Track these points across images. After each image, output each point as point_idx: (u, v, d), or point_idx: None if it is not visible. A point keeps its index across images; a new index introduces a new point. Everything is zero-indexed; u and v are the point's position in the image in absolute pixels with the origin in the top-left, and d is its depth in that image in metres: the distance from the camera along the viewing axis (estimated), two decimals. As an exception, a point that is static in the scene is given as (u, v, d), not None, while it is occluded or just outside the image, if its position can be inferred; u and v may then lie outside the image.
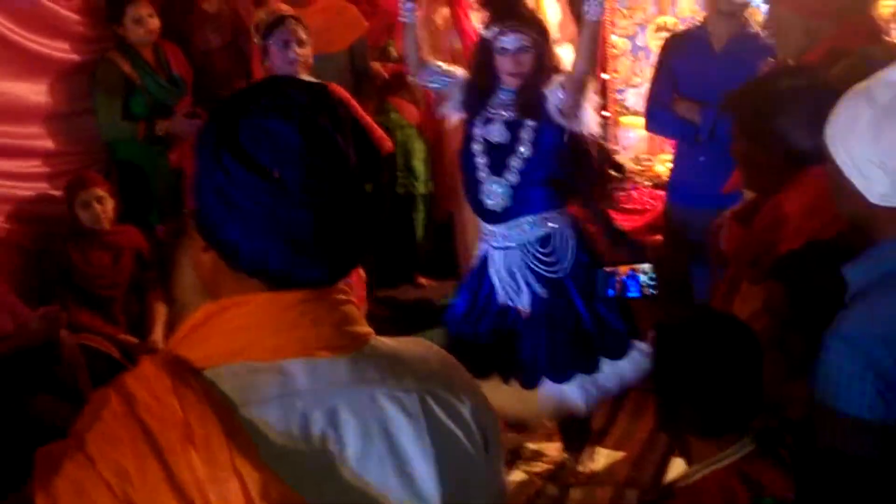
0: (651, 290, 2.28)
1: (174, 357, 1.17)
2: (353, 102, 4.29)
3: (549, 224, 3.47)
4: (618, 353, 3.45)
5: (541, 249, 3.47)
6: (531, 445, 4.03)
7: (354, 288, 4.28)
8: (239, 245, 1.16)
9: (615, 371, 3.49)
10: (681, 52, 4.10)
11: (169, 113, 4.67)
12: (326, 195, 1.14)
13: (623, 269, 2.34)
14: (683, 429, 2.01)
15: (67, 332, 3.90)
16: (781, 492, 1.90)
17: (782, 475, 1.92)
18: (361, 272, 4.31)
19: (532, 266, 3.47)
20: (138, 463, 1.08)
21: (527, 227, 3.47)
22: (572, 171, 3.46)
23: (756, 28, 3.92)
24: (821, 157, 1.88)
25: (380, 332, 1.27)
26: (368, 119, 4.45)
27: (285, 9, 4.30)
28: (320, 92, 1.20)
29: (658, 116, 4.14)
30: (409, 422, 1.18)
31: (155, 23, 4.62)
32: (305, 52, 4.05)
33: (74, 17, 4.57)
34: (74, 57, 4.59)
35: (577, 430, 3.85)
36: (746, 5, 3.87)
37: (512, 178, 3.42)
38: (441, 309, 5.51)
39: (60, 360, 3.83)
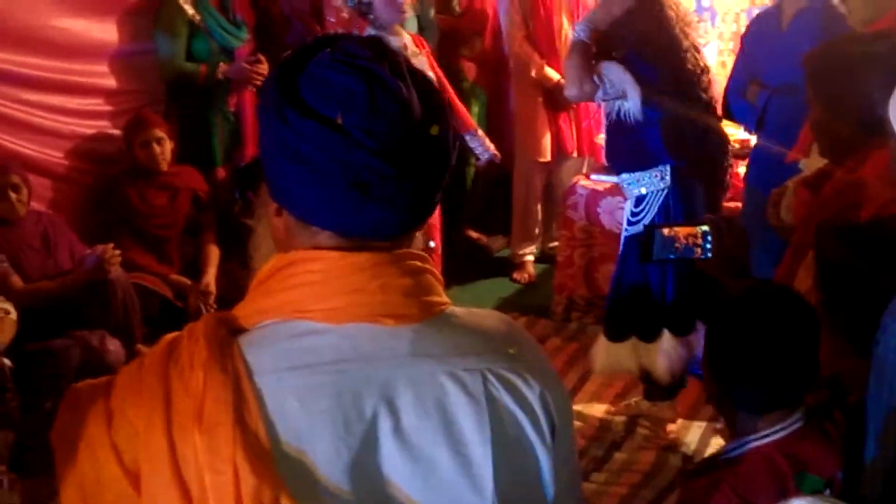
0: (707, 253, 2.23)
1: (232, 316, 1.16)
2: (440, 74, 4.28)
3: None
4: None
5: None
6: (575, 407, 4.01)
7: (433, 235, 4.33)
8: (309, 197, 1.13)
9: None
10: (754, 32, 3.92)
11: (231, 57, 4.68)
12: (392, 141, 1.11)
13: (682, 231, 2.29)
14: (733, 403, 1.97)
15: (122, 270, 3.95)
16: (827, 470, 1.86)
17: (829, 453, 1.88)
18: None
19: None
20: (148, 424, 1.08)
21: None
22: None
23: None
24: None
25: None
26: (453, 96, 4.41)
27: None
28: (377, 44, 1.17)
29: (730, 104, 3.89)
30: (468, 401, 1.13)
31: (220, -35, 4.61)
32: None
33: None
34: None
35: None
36: None
37: None
38: (498, 260, 5.61)
39: (114, 298, 3.88)
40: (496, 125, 5.57)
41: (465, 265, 5.35)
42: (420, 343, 1.15)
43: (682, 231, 2.28)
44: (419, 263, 1.18)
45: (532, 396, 1.18)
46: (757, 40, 3.83)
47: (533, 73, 5.08)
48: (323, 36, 1.22)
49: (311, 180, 1.12)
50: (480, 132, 4.48)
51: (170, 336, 1.15)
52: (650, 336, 3.75)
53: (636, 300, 3.72)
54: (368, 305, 1.13)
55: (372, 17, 4.04)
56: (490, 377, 1.15)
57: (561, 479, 1.21)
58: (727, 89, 3.95)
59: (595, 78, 3.52)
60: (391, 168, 1.11)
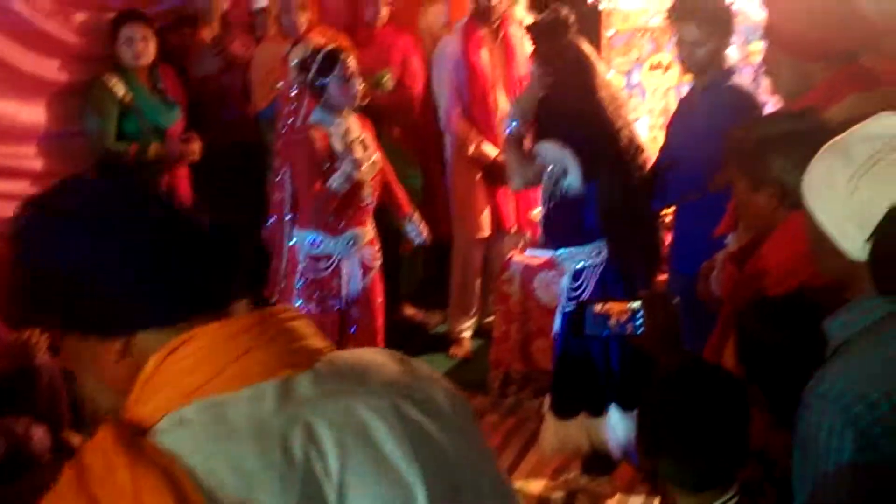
0: (639, 329, 2.25)
1: (129, 421, 1.15)
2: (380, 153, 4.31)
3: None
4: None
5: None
6: (514, 483, 3.97)
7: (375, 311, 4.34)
8: (159, 295, 1.18)
9: None
10: (675, 112, 3.98)
11: (163, 135, 4.66)
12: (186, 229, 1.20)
13: (615, 307, 2.30)
14: (668, 483, 1.96)
15: (48, 355, 3.85)
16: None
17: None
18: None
19: None
20: None
21: None
22: None
23: (738, 80, 3.79)
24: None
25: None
26: (391, 180, 4.42)
27: (325, 41, 4.31)
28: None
29: (656, 183, 3.73)
30: (386, 426, 1.16)
31: (150, 46, 4.61)
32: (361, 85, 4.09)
33: (70, 36, 4.56)
34: (69, 77, 4.58)
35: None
36: (709, 63, 3.62)
37: None
38: (435, 336, 5.59)
39: (39, 384, 3.78)
40: (431, 200, 5.59)
41: (401, 342, 5.31)
42: (324, 384, 1.18)
43: (614, 307, 2.30)
44: (291, 313, 1.23)
45: (439, 405, 1.24)
46: (676, 119, 3.92)
47: (471, 151, 5.11)
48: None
49: (160, 271, 1.17)
50: (416, 217, 4.47)
51: (67, 466, 1.12)
52: (599, 410, 3.74)
53: (582, 375, 3.73)
54: (262, 363, 1.16)
55: (324, 98, 4.04)
56: (398, 399, 1.20)
57: (489, 482, 1.26)
58: (653, 167, 4.00)
59: (536, 161, 3.58)
60: (194, 254, 1.19)
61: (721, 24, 3.63)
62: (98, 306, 1.16)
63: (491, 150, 5.09)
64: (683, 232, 3.81)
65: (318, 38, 4.51)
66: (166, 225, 1.19)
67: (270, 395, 1.14)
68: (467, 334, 5.47)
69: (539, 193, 5.10)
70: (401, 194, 4.45)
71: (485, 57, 5.09)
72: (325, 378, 1.18)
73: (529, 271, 4.73)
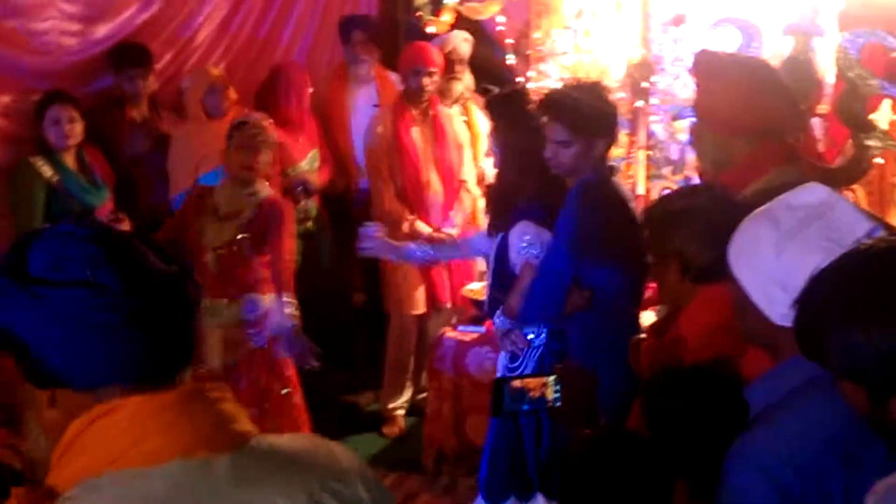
0: (557, 403, 2.26)
1: (45, 486, 1.14)
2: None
3: None
4: None
5: None
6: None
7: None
8: (89, 358, 1.15)
9: None
10: None
11: (90, 216, 4.61)
12: (144, 286, 1.17)
13: (532, 382, 2.31)
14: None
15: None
16: None
17: None
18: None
19: None
20: None
21: None
22: None
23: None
24: (721, 274, 1.90)
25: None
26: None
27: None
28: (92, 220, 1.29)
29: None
30: None
31: (77, 127, 4.58)
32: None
33: (-5, 118, 4.52)
34: (-7, 159, 4.52)
35: None
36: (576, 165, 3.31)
37: None
38: (367, 415, 5.52)
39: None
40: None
41: (331, 421, 5.27)
42: (239, 470, 1.16)
43: (531, 382, 2.31)
44: (219, 394, 1.22)
45: (359, 496, 1.23)
46: None
47: (405, 229, 5.12)
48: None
49: (84, 341, 1.14)
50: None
51: None
52: (527, 496, 3.70)
53: (512, 458, 3.67)
54: (182, 442, 1.15)
55: None
56: (317, 491, 1.19)
57: None
58: None
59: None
60: (153, 309, 1.16)
61: (589, 125, 3.30)
62: (27, 358, 1.17)
63: (424, 228, 5.12)
64: None
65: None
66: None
67: (185, 476, 1.13)
68: (401, 412, 5.42)
69: (471, 268, 5.23)
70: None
71: (416, 136, 5.16)
72: (246, 464, 1.17)
73: (462, 347, 4.72)
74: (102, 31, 4.96)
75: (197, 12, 5.42)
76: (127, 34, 5.05)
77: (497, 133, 3.69)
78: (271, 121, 4.31)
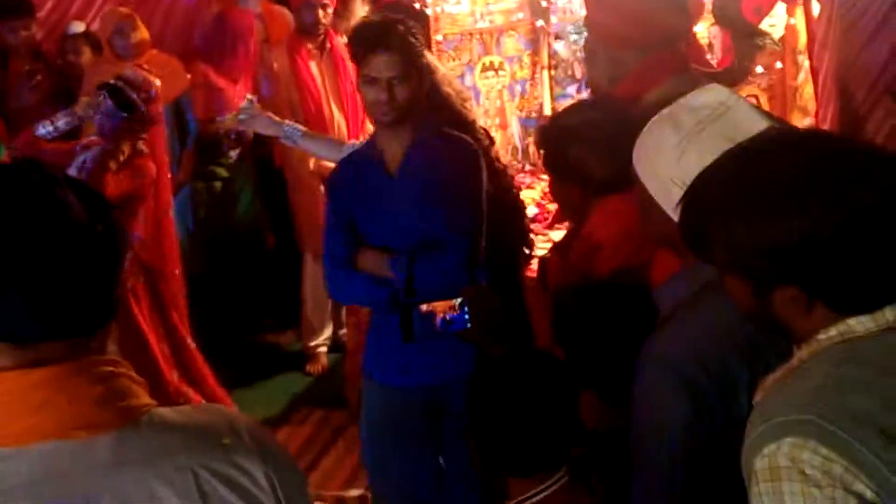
0: (467, 325, 2.26)
1: None
2: None
3: None
4: None
5: None
6: None
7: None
8: None
9: None
10: (352, 183, 3.05)
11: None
12: (55, 239, 1.10)
13: (440, 306, 2.31)
14: (501, 468, 1.97)
15: None
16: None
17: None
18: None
19: None
20: None
21: None
22: None
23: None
24: (621, 185, 1.91)
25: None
26: None
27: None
28: (28, 161, 1.16)
29: (339, 282, 2.99)
30: (178, 501, 1.11)
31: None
32: None
33: None
34: None
35: None
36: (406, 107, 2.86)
37: None
38: (289, 355, 5.50)
39: None
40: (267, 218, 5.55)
41: (255, 362, 5.24)
42: (121, 451, 1.11)
43: (438, 305, 2.30)
44: (111, 369, 1.14)
45: (251, 483, 1.16)
46: (361, 194, 3.05)
47: (311, 166, 5.06)
48: None
49: None
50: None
51: None
52: None
53: None
54: (57, 421, 1.09)
55: None
56: (202, 473, 1.13)
57: None
58: (327, 260, 3.11)
59: None
60: (58, 263, 1.09)
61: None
62: None
63: (330, 163, 5.05)
64: None
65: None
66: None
67: (58, 460, 1.08)
68: (322, 349, 5.42)
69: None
70: None
71: (314, 71, 5.07)
72: (130, 444, 1.12)
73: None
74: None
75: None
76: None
77: None
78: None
